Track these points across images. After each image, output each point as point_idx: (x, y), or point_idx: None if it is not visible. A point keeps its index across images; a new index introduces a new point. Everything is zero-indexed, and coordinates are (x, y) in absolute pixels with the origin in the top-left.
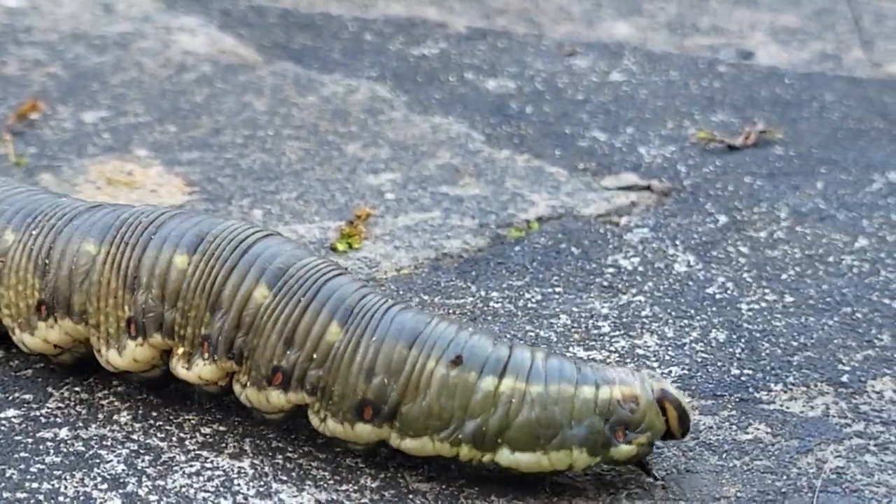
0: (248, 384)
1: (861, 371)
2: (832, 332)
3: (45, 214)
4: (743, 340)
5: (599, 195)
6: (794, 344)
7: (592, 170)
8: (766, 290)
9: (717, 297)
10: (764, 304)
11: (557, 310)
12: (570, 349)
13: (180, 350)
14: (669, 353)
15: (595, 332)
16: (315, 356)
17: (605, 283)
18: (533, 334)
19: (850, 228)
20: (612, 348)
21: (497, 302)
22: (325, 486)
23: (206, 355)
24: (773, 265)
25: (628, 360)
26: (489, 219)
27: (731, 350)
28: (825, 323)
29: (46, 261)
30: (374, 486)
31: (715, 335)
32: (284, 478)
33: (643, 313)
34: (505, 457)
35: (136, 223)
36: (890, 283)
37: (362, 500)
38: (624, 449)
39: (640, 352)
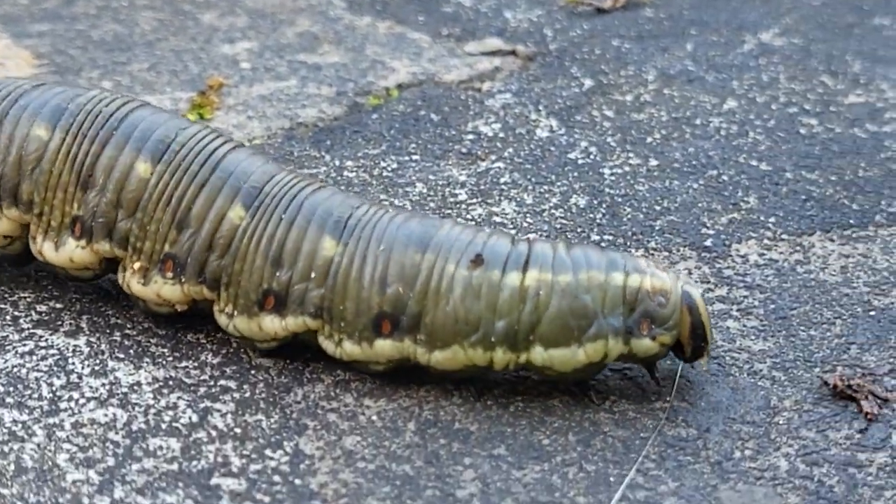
0: (236, 313)
1: (725, 235)
2: (696, 195)
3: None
4: (604, 206)
5: (462, 61)
6: (657, 208)
7: (456, 35)
8: (630, 154)
9: (580, 162)
10: (627, 169)
11: (413, 178)
12: None
13: (136, 264)
14: (528, 219)
15: (451, 199)
16: (313, 274)
17: (464, 150)
18: (387, 203)
19: (718, 90)
20: (468, 216)
21: (351, 171)
22: (164, 363)
23: (171, 275)
24: (639, 129)
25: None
26: (347, 87)
27: (591, 216)
28: (690, 186)
29: None
30: (215, 362)
31: (575, 201)
32: (121, 355)
33: (502, 180)
34: (538, 355)
35: (95, 112)
36: (758, 144)
37: (202, 377)
38: (646, 343)
39: (498, 219)
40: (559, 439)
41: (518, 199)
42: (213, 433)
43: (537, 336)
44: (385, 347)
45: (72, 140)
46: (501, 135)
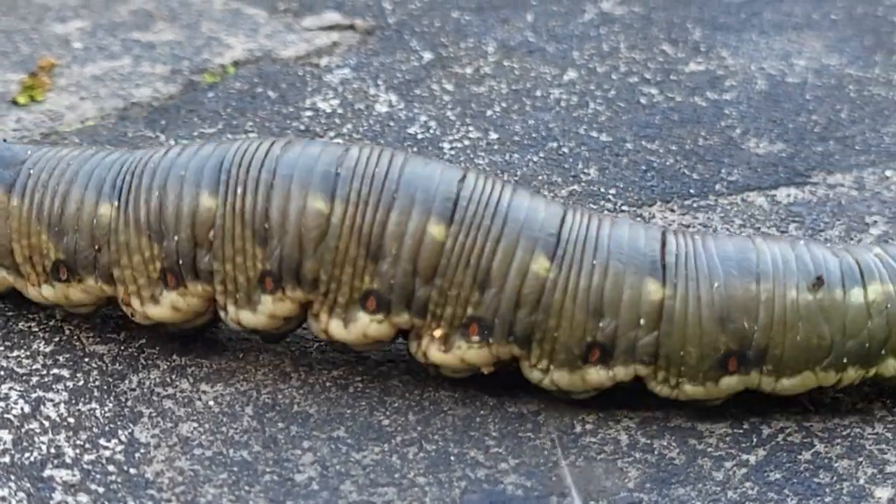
0: (553, 367)
1: None
2: (537, 168)
3: (238, 164)
4: None
5: (300, 36)
6: None
7: (294, 10)
8: (470, 128)
9: (419, 136)
10: (467, 143)
11: None
12: None
13: (437, 332)
14: None
15: None
16: (643, 321)
17: (302, 128)
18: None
19: (559, 61)
20: None
21: None
22: None
23: (476, 338)
24: (479, 102)
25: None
26: (182, 65)
27: None
28: (530, 159)
29: (266, 225)
30: (48, 350)
31: None
32: None
33: None
34: (891, 367)
35: (368, 174)
36: (598, 115)
37: (35, 366)
38: None
39: None
40: (399, 419)
41: None
42: (46, 423)
43: (889, 348)
44: (731, 383)
45: (353, 210)
46: (340, 111)
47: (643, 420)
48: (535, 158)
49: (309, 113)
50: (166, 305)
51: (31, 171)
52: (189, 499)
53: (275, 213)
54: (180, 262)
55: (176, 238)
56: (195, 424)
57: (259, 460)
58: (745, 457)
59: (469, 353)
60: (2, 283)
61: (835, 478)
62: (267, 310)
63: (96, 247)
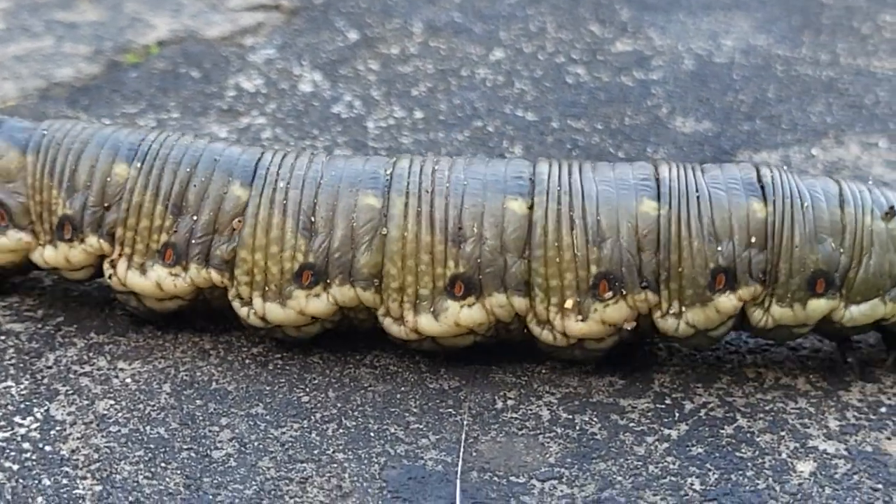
0: (685, 308)
1: None
2: (461, 146)
3: (279, 165)
4: None
5: (225, 17)
6: None
7: None
8: (395, 108)
9: (343, 116)
10: (392, 122)
11: None
12: None
13: (568, 303)
14: None
15: None
16: (753, 239)
17: (225, 107)
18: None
19: (486, 41)
20: None
21: None
22: None
23: (609, 294)
24: (404, 81)
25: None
26: (105, 45)
27: None
28: (454, 138)
29: (312, 218)
30: None
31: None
32: None
33: (264, 135)
34: None
35: (421, 171)
36: (524, 94)
37: None
38: None
39: None
40: (319, 396)
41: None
42: None
43: None
44: (818, 307)
45: (417, 201)
46: (264, 90)
47: (564, 396)
48: (460, 137)
49: (232, 93)
50: (151, 279)
51: (45, 132)
52: (105, 476)
53: (322, 208)
54: (192, 241)
55: (195, 217)
56: (112, 402)
57: (176, 437)
58: (666, 431)
59: (607, 311)
60: (22, 247)
61: (757, 452)
62: (297, 305)
63: (106, 205)
